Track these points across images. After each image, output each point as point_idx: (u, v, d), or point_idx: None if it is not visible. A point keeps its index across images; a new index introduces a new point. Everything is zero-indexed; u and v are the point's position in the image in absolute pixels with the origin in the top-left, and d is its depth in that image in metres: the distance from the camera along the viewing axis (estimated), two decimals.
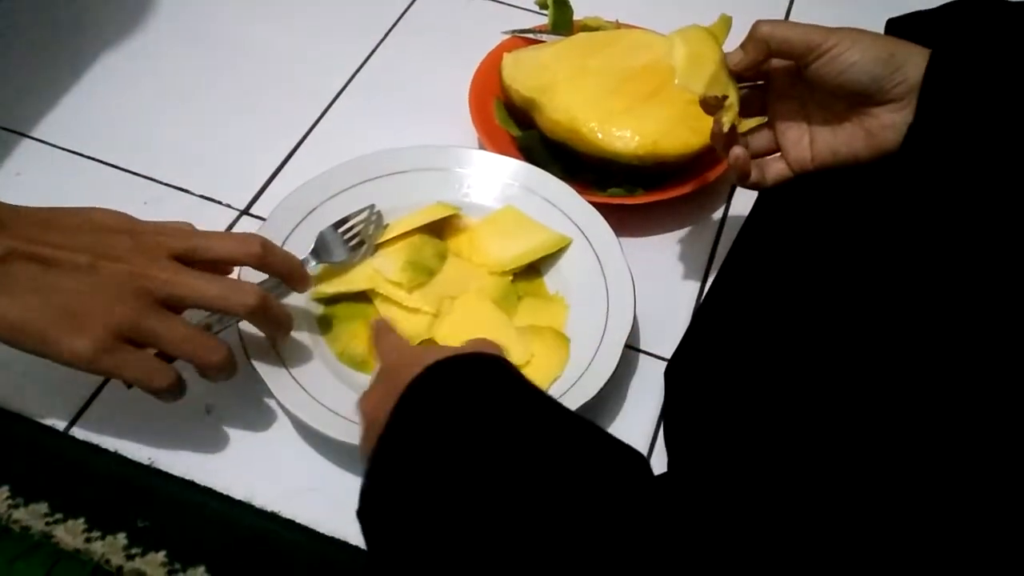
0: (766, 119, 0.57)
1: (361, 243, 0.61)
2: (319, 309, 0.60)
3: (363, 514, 0.38)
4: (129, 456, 0.54)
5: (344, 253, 0.60)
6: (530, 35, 0.78)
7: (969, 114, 0.46)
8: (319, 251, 0.60)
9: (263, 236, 0.53)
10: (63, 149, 0.70)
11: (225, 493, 0.52)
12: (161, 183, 0.69)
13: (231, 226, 0.66)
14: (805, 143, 0.54)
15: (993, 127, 0.46)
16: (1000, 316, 0.42)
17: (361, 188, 0.63)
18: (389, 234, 0.62)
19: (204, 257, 0.51)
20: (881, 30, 0.54)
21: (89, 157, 0.70)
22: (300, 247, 0.60)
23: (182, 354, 0.50)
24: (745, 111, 0.55)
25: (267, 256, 0.53)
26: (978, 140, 0.46)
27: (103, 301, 0.47)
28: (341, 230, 0.61)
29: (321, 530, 0.51)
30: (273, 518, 0.51)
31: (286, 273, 0.54)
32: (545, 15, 0.79)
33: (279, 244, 0.60)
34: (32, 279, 0.47)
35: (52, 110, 0.73)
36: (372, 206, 0.62)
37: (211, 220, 0.66)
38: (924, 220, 0.48)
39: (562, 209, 0.64)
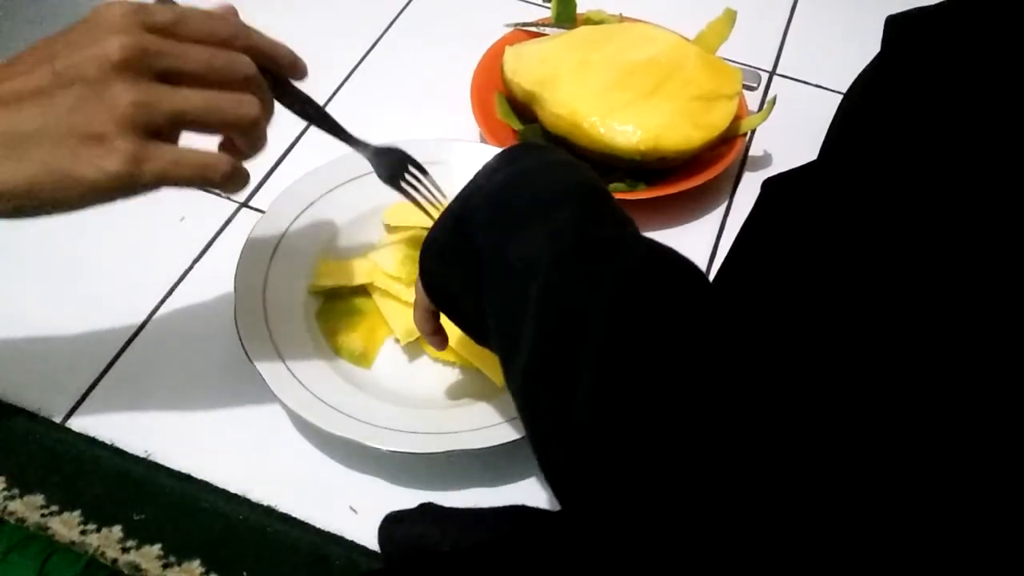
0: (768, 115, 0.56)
1: (413, 189, 0.57)
2: (317, 303, 0.59)
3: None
4: (126, 449, 0.53)
5: (387, 178, 0.56)
6: (533, 28, 0.78)
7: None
8: (385, 165, 0.56)
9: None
10: None
11: (221, 487, 0.52)
12: None
13: (230, 219, 0.66)
14: None
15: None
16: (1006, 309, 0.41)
17: (361, 181, 0.63)
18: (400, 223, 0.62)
19: (184, 31, 0.43)
20: (880, 29, 0.54)
21: None
22: (300, 240, 0.60)
23: (219, 111, 0.42)
24: None
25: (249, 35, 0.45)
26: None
27: (101, 104, 0.40)
28: (412, 170, 0.56)
29: (317, 524, 0.51)
30: (269, 512, 0.51)
31: (277, 56, 0.47)
32: (548, 8, 0.78)
33: (277, 237, 0.60)
34: (15, 125, 0.40)
35: None
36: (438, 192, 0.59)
37: (210, 212, 0.66)
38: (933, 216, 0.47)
39: None
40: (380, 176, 0.56)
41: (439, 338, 0.53)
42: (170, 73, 0.42)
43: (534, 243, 0.41)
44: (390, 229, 0.63)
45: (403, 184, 0.56)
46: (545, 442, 0.40)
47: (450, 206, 0.47)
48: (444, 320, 0.58)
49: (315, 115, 0.52)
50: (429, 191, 0.57)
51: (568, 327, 0.38)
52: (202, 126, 0.43)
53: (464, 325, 0.48)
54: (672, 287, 0.40)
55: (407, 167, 0.56)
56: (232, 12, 0.46)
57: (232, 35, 0.44)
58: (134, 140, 0.40)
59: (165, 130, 0.42)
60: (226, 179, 0.43)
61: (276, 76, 0.48)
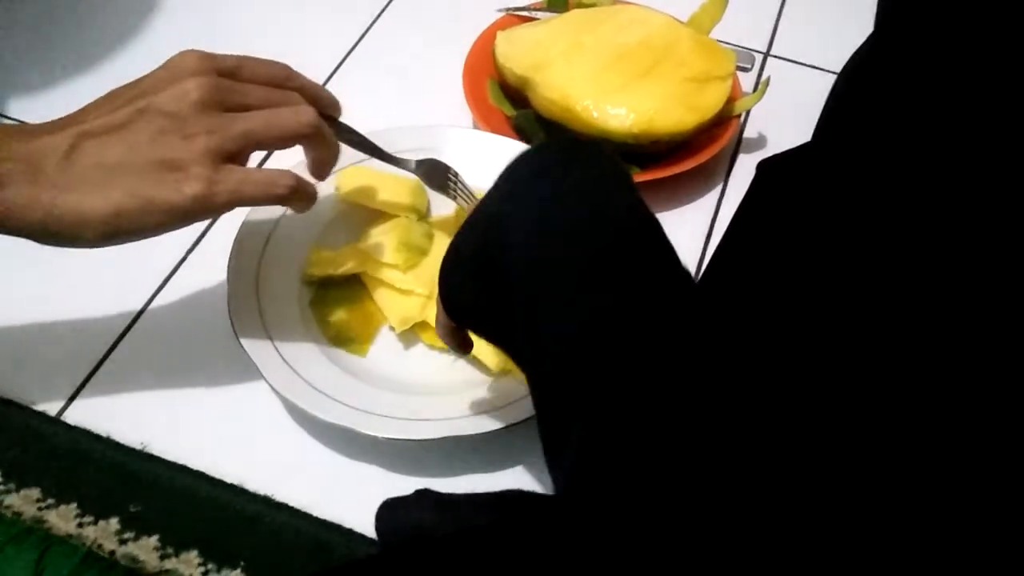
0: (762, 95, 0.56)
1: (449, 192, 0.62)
2: (311, 292, 0.59)
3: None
4: (122, 441, 0.53)
5: (437, 187, 0.62)
6: (525, 13, 0.77)
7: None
8: (433, 175, 0.61)
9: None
10: None
11: (218, 477, 0.52)
12: None
13: None
14: None
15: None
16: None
17: (353, 169, 0.63)
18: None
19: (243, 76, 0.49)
20: (874, 8, 0.54)
21: None
22: (293, 229, 0.60)
23: (279, 123, 0.48)
24: None
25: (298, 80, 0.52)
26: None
27: (179, 135, 0.45)
28: (450, 176, 0.62)
29: (314, 513, 0.51)
30: (266, 502, 0.51)
31: (320, 96, 0.53)
32: None
33: (271, 226, 0.60)
34: (102, 156, 0.44)
35: (48, 98, 0.72)
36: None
37: None
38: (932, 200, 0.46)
39: None
40: (430, 185, 0.62)
41: (465, 348, 0.51)
42: (238, 107, 0.48)
43: (574, 319, 0.38)
44: (343, 194, 0.62)
45: (449, 188, 0.61)
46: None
47: (476, 220, 0.43)
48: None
49: (359, 142, 0.58)
50: (467, 191, 0.62)
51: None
52: (269, 141, 0.48)
53: (487, 338, 0.46)
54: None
55: (447, 174, 0.62)
56: (284, 65, 0.52)
57: (285, 77, 0.51)
58: (209, 165, 0.45)
59: (236, 153, 0.47)
60: (291, 192, 0.48)
61: (321, 113, 0.52)
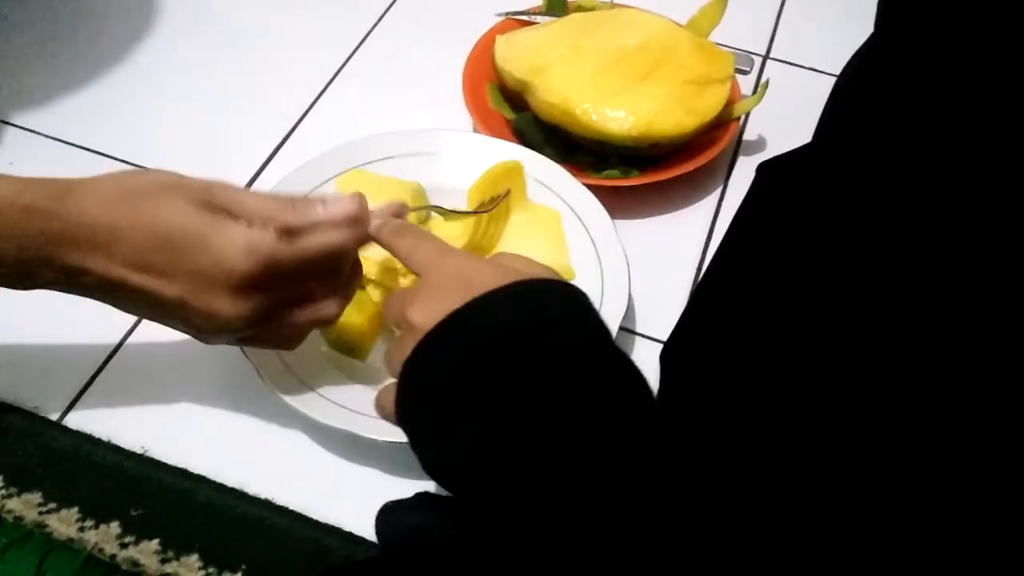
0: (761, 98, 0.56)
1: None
2: None
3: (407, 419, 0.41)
4: (123, 445, 0.53)
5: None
6: (524, 17, 0.77)
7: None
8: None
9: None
10: (53, 139, 0.70)
11: (219, 481, 0.52)
12: None
13: None
14: None
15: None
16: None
17: (353, 173, 0.63)
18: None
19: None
20: (873, 10, 0.54)
21: (78, 146, 0.69)
22: None
23: (295, 333, 0.50)
24: None
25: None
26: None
27: (204, 336, 0.48)
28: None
29: (315, 516, 0.51)
30: (267, 505, 0.51)
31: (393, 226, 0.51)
32: None
33: None
34: (139, 310, 0.48)
35: (44, 99, 0.72)
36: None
37: None
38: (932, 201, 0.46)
39: (556, 192, 0.63)
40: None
41: None
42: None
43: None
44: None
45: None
46: None
47: (453, 354, 0.39)
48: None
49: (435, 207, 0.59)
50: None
51: None
52: None
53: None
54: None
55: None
56: (361, 206, 0.48)
57: (338, 268, 0.49)
58: (240, 333, 0.47)
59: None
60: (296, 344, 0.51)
61: None
